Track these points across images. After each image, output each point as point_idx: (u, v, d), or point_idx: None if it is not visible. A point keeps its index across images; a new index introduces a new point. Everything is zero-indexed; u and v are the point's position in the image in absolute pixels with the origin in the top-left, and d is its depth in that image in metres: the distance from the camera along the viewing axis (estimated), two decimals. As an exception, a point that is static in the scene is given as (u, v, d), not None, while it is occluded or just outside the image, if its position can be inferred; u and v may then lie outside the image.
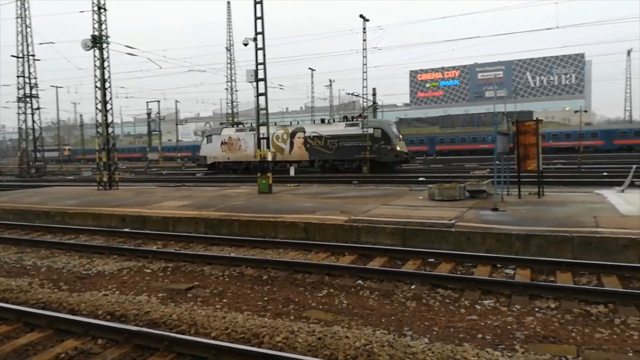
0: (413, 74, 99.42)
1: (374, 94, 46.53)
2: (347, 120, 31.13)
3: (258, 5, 15.46)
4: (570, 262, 7.23)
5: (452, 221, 9.25)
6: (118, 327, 4.90)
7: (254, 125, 34.91)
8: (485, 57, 74.68)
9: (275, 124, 31.80)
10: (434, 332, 4.95)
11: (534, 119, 13.13)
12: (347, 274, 7.04)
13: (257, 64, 15.72)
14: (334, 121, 32.01)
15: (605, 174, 20.90)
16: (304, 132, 30.68)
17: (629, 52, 62.98)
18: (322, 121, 31.92)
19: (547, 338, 4.73)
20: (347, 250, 8.55)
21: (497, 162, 12.28)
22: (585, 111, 52.32)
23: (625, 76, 65.55)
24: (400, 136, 30.70)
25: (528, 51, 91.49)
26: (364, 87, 30.51)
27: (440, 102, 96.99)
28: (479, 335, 4.83)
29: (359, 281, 6.79)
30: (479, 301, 5.86)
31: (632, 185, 14.86)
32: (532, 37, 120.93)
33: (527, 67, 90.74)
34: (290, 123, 32.86)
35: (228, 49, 52.32)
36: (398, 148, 29.00)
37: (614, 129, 45.91)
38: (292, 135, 31.13)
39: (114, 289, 6.78)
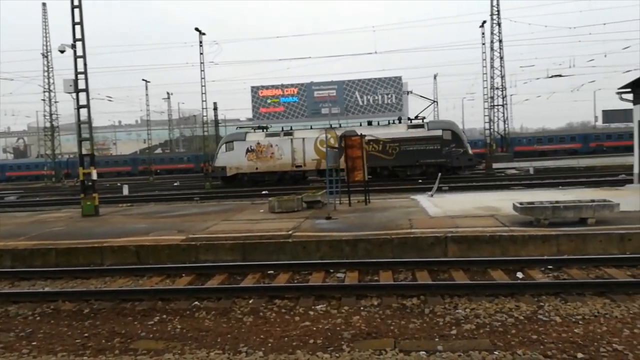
0: (255, 90, 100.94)
1: (215, 108, 45.91)
2: (410, 121, 28.43)
3: (76, 10, 14.01)
4: (390, 261, 8.04)
5: (290, 232, 9.56)
6: None
7: (293, 128, 28.74)
8: (320, 76, 79.97)
9: (311, 128, 27.88)
10: (269, 344, 5.01)
11: (359, 134, 14.44)
12: (182, 297, 6.70)
13: (77, 73, 14.19)
14: (393, 123, 28.85)
15: (420, 181, 24.03)
16: (360, 136, 29.02)
17: (435, 77, 73.72)
18: (372, 123, 28.74)
19: (370, 334, 5.16)
20: (184, 271, 8.16)
21: (329, 174, 13.15)
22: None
23: (433, 96, 76.62)
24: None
25: (356, 72, 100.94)
26: (203, 100, 29.95)
27: (282, 118, 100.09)
28: (311, 341, 5.04)
29: (195, 302, 6.53)
30: (313, 307, 6.13)
31: (439, 190, 17.31)
32: (357, 60, 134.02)
33: (356, 87, 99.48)
34: (331, 127, 28.66)
35: (45, 55, 46.24)
36: (470, 151, 27.05)
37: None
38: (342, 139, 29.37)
39: None
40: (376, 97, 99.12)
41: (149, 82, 52.44)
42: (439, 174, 16.99)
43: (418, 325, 5.40)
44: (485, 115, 39.43)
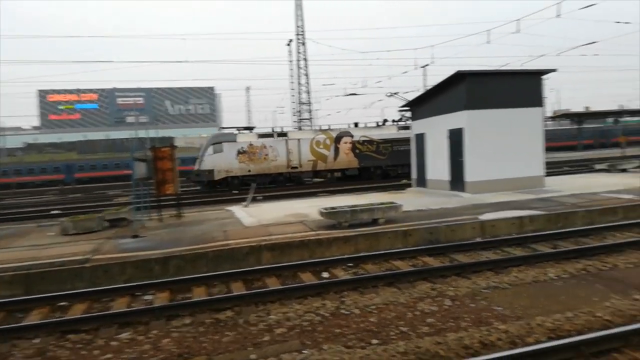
0: (42, 94, 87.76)
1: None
2: (398, 123, 28.67)
3: None
4: (205, 276, 7.82)
5: (87, 256, 8.50)
6: None
7: (284, 129, 27.50)
8: (123, 82, 73.93)
9: (299, 128, 24.74)
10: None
11: (170, 144, 13.77)
12: (-64, 349, 5.32)
13: None
14: (384, 124, 28.88)
15: (235, 192, 24.13)
16: (352, 137, 27.08)
17: (247, 89, 75.48)
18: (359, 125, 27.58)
19: (182, 356, 4.90)
20: (-60, 317, 6.50)
21: (136, 188, 12.18)
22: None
23: (246, 108, 78.32)
24: None
25: (165, 80, 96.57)
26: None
27: (78, 126, 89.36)
28: (114, 375, 4.54)
29: (-43, 354, 5.25)
30: (115, 337, 5.54)
31: (254, 200, 17.65)
32: (168, 67, 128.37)
33: (167, 95, 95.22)
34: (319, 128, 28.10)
35: None
36: None
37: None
38: (337, 140, 27.21)
39: None
40: (188, 107, 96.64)
41: None
42: (253, 185, 17.30)
43: (232, 338, 5.35)
44: (294, 129, 42.00)
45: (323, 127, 28.27)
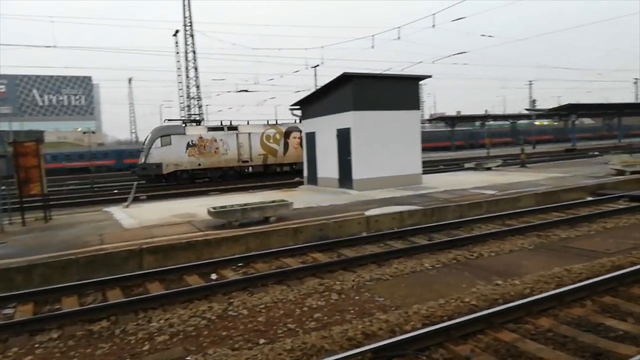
0: None
1: None
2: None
3: None
4: (76, 284, 7.10)
5: None
6: None
7: (233, 123, 26.82)
8: (-20, 67, 64.41)
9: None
10: None
11: (35, 139, 12.27)
12: None
13: None
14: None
15: (116, 191, 22.39)
16: (301, 132, 24.81)
17: (130, 80, 70.51)
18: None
19: (46, 375, 4.38)
20: None
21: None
22: (94, 132, 54.41)
23: (128, 101, 73.09)
24: None
25: (33, 67, 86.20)
26: None
27: None
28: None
29: None
30: (-39, 361, 4.77)
31: (137, 200, 16.53)
32: (37, 53, 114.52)
33: (34, 84, 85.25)
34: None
35: None
36: None
37: (124, 149, 50.09)
38: (287, 135, 27.28)
39: None
40: (61, 98, 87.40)
41: None
42: (135, 183, 16.13)
43: (107, 350, 4.92)
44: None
45: (271, 122, 28.28)
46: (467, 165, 23.69)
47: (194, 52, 39.35)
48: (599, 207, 11.91)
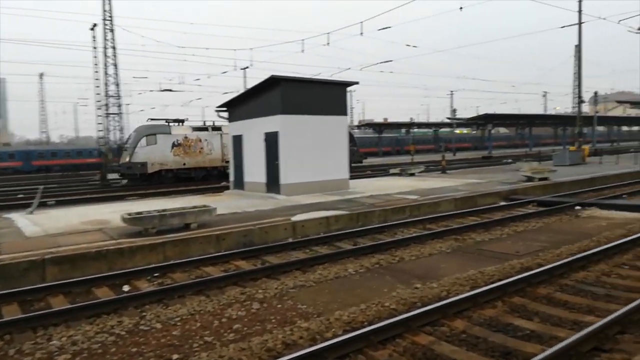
0: None
1: None
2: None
3: None
4: (-37, 301, 6.29)
5: None
6: None
7: (217, 123, 27.02)
8: None
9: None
10: None
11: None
12: None
13: None
14: None
15: (20, 196, 20.45)
16: None
17: (41, 75, 65.23)
18: None
19: None
20: None
21: None
22: (-1, 131, 49.59)
23: (39, 98, 67.55)
24: None
25: None
26: None
27: None
28: None
29: None
30: None
31: (44, 205, 15.18)
32: None
33: None
34: None
35: None
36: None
37: (32, 149, 46.12)
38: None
39: None
40: (-42, 92, 78.75)
41: None
42: (41, 187, 14.79)
43: (-6, 376, 4.35)
44: (99, 124, 37.80)
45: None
46: (392, 170, 24.44)
47: (113, 47, 37.17)
48: (510, 211, 12.72)
